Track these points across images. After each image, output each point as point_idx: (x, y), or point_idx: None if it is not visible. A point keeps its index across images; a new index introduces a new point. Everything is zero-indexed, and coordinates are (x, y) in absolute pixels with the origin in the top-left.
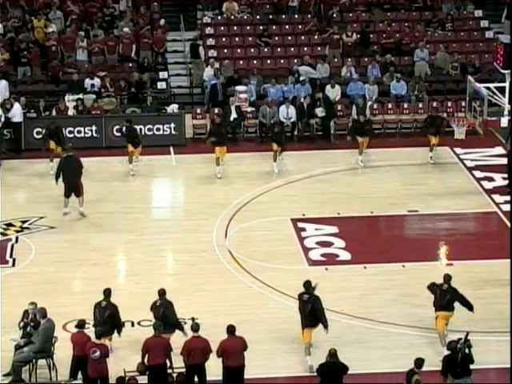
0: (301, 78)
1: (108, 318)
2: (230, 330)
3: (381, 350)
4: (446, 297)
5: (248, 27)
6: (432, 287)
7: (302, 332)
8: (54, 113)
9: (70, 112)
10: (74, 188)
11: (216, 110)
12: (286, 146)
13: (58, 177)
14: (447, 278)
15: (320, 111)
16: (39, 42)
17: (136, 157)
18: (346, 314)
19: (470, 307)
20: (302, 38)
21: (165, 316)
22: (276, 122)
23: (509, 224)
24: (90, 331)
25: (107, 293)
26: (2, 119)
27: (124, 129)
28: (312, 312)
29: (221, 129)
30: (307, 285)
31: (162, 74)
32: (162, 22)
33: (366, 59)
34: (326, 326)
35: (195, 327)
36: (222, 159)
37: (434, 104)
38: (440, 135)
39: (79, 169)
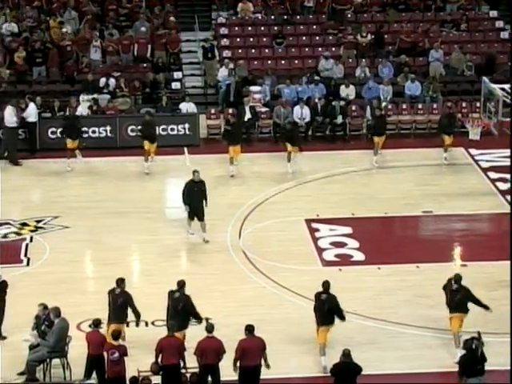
0: (315, 77)
1: (121, 306)
2: (249, 329)
3: (394, 350)
4: (456, 297)
5: (262, 27)
6: (445, 287)
7: (317, 331)
8: (67, 112)
9: (82, 109)
10: (196, 212)
11: (230, 111)
12: (301, 145)
13: (185, 201)
14: (455, 277)
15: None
16: (55, 43)
17: (151, 156)
18: (360, 314)
19: (484, 307)
20: (317, 38)
21: (184, 310)
22: (290, 121)
23: None
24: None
25: (120, 281)
26: (15, 119)
27: (141, 123)
28: (329, 311)
29: (235, 128)
30: (326, 285)
31: (177, 74)
32: (172, 19)
33: (380, 60)
34: (343, 318)
35: (209, 328)
36: (236, 159)
37: (449, 104)
38: (454, 134)
39: (203, 193)
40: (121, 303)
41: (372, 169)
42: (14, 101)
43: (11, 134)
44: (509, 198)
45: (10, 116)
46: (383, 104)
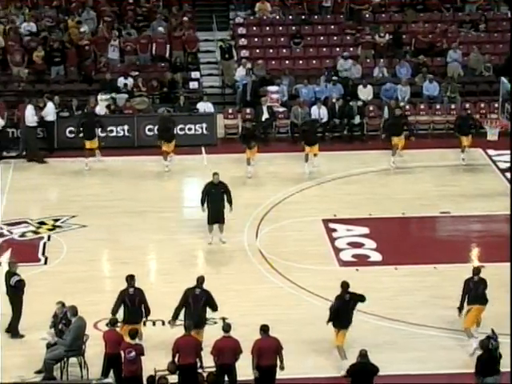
0: (333, 77)
1: (138, 306)
2: (263, 329)
3: (411, 351)
4: (479, 288)
5: (280, 27)
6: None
7: (337, 334)
8: (80, 117)
9: (100, 109)
10: (218, 216)
11: (248, 111)
12: (317, 142)
13: (203, 202)
14: (477, 270)
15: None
16: (73, 42)
17: (170, 156)
18: (377, 314)
19: None
20: (335, 38)
21: (205, 305)
22: (307, 120)
23: None
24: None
25: (130, 279)
26: (35, 118)
27: (159, 119)
28: (354, 308)
29: (253, 133)
30: (345, 285)
31: (194, 74)
32: (185, 19)
33: (398, 60)
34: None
35: (226, 327)
36: (252, 159)
37: (467, 105)
38: (472, 136)
39: (223, 195)
40: (138, 303)
41: (389, 169)
42: (34, 100)
43: (31, 132)
44: None
45: (31, 115)
46: (401, 104)
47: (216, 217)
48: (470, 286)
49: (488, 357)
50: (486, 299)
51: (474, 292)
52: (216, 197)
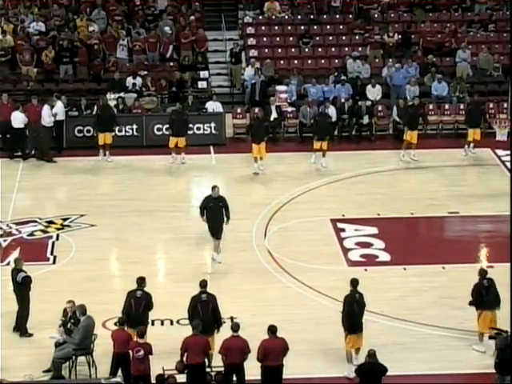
0: (342, 77)
1: (144, 310)
2: (271, 329)
3: (420, 351)
4: (490, 292)
5: (289, 27)
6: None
7: (351, 336)
8: (95, 111)
9: None
10: (214, 231)
11: (256, 110)
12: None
13: (202, 214)
14: (484, 273)
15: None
16: (82, 41)
17: (182, 157)
18: (385, 315)
19: None
20: (343, 38)
21: (213, 312)
22: (322, 112)
23: None
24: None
25: (140, 281)
26: (52, 119)
27: (171, 112)
28: (362, 309)
29: (260, 125)
30: (355, 282)
31: (203, 74)
32: (192, 17)
33: (407, 60)
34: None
35: (235, 327)
36: (260, 158)
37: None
38: (480, 130)
39: (222, 209)
40: (143, 308)
41: (398, 169)
42: (50, 100)
43: (47, 133)
44: None
45: (48, 116)
46: (409, 103)
47: (215, 230)
48: (482, 293)
49: (504, 356)
50: (499, 301)
51: (486, 297)
52: (214, 211)
